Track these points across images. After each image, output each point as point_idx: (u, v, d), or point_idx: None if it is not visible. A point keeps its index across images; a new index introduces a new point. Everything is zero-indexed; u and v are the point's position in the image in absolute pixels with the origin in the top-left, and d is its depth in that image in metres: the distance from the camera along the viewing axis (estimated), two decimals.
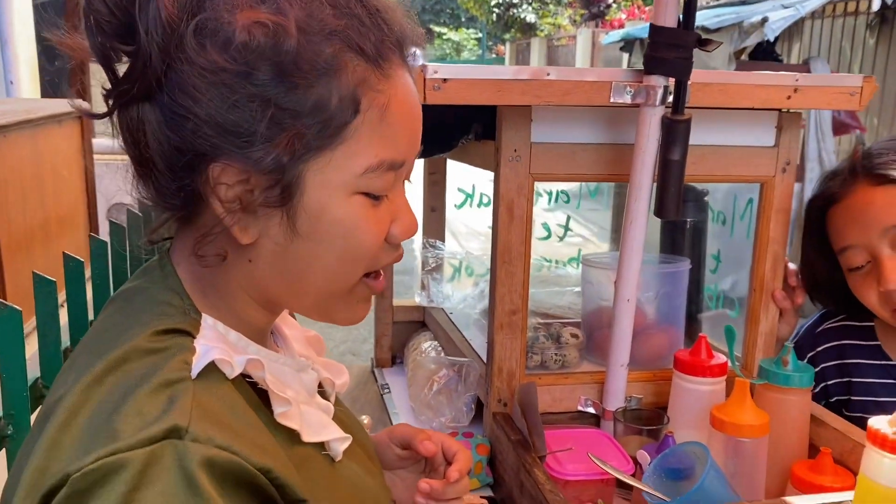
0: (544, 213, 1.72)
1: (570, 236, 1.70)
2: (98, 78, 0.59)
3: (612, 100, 1.02)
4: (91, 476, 0.47)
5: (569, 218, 1.68)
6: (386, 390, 1.49)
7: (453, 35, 25.57)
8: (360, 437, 0.74)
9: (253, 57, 0.54)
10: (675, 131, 0.99)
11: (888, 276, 1.10)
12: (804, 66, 5.04)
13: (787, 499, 0.93)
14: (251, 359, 0.58)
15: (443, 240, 1.63)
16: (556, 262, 1.68)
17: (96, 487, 0.47)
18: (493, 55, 23.83)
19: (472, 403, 1.25)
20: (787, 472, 1.04)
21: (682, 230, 1.34)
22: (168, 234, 0.65)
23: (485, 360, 1.20)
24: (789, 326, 1.24)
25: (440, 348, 1.43)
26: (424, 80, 0.96)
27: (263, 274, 0.61)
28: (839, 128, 5.16)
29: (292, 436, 0.60)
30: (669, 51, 0.98)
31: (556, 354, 1.23)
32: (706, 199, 1.34)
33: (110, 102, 0.58)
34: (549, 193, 1.66)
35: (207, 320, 0.60)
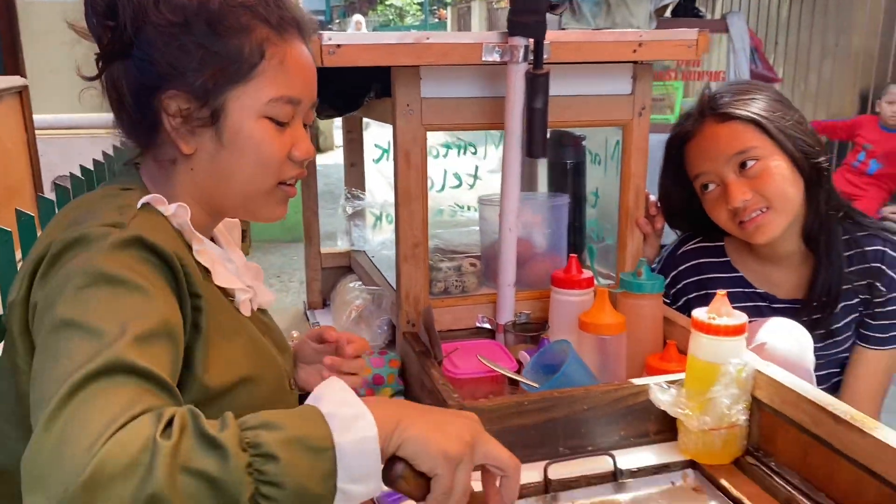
0: (456, 164, 1.90)
1: (480, 184, 1.90)
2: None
3: (483, 59, 1.20)
4: (62, 243, 0.74)
5: (477, 167, 1.87)
6: (317, 327, 1.67)
7: (396, 1, 25.40)
8: (275, 332, 0.95)
9: (190, 13, 0.82)
10: (536, 84, 1.19)
11: (733, 196, 1.32)
12: (721, 22, 5.29)
13: (633, 380, 1.15)
14: (180, 204, 0.82)
15: (363, 189, 1.80)
16: (468, 207, 1.87)
17: (66, 249, 0.74)
18: (436, 19, 23.76)
19: (385, 326, 1.44)
20: (643, 363, 1.26)
21: (564, 171, 1.54)
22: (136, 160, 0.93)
23: (395, 287, 1.39)
24: (653, 248, 1.46)
25: (362, 286, 1.62)
26: (321, 46, 1.13)
27: (201, 178, 0.88)
28: (757, 80, 5.45)
29: (208, 274, 0.86)
30: (528, 15, 1.16)
31: (456, 281, 1.43)
32: (583, 143, 1.54)
33: (99, 65, 0.85)
34: (458, 146, 1.85)
35: (156, 195, 0.84)
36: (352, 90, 1.37)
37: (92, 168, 1.82)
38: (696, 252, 1.48)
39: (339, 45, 1.14)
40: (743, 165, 1.31)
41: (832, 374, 1.44)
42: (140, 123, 0.86)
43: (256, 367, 0.90)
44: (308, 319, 1.73)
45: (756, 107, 1.32)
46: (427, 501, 0.72)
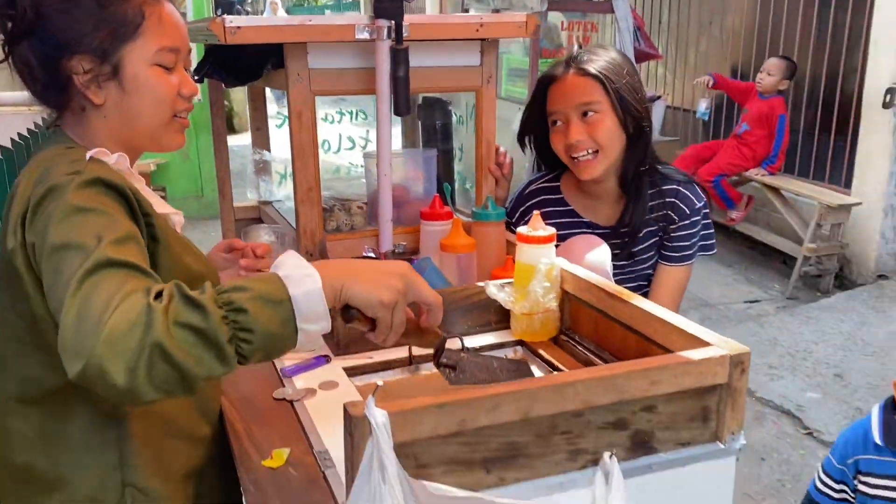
0: (350, 129, 2.22)
1: (371, 146, 2.22)
2: None
3: (357, 37, 1.52)
4: (39, 195, 0.95)
5: (368, 131, 2.20)
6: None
7: None
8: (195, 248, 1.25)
9: None
10: (398, 56, 1.52)
11: (571, 134, 1.65)
12: (607, 3, 5.75)
13: (479, 283, 1.51)
14: (120, 154, 1.07)
15: (269, 151, 2.10)
16: (360, 165, 2.19)
17: (43, 199, 0.95)
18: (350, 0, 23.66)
19: None
20: (490, 274, 1.62)
21: (435, 131, 1.88)
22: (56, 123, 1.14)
23: (295, 227, 1.71)
24: (503, 190, 1.82)
25: (268, 227, 1.92)
26: (224, 27, 1.43)
27: (114, 123, 1.10)
28: (642, 56, 5.94)
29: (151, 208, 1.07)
30: (389, 1, 1.49)
31: (346, 221, 1.75)
32: (450, 107, 1.89)
33: (5, 49, 1.07)
34: (351, 113, 2.17)
35: (100, 149, 1.09)
36: (253, 63, 1.67)
37: (21, 141, 2.04)
38: (539, 191, 1.85)
39: (238, 27, 1.44)
40: (585, 114, 1.66)
41: (640, 287, 1.84)
42: (53, 88, 1.06)
43: (203, 268, 1.16)
44: None
45: (608, 71, 1.67)
46: (376, 334, 0.97)
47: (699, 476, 1.08)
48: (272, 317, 0.86)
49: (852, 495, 1.56)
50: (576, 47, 1.74)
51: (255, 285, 0.87)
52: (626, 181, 1.74)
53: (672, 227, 1.76)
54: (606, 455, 1.00)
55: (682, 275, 1.81)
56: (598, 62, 1.68)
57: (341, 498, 0.99)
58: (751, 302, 4.70)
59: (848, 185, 4.74)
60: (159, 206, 1.17)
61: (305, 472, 1.06)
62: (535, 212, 1.45)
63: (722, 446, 1.08)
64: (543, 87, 1.72)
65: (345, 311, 0.96)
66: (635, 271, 1.80)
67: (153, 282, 0.87)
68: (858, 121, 4.61)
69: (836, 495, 1.60)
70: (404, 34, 1.52)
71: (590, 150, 1.67)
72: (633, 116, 1.68)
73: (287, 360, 1.39)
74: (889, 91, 4.34)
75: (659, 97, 6.17)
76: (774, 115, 4.98)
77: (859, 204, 4.51)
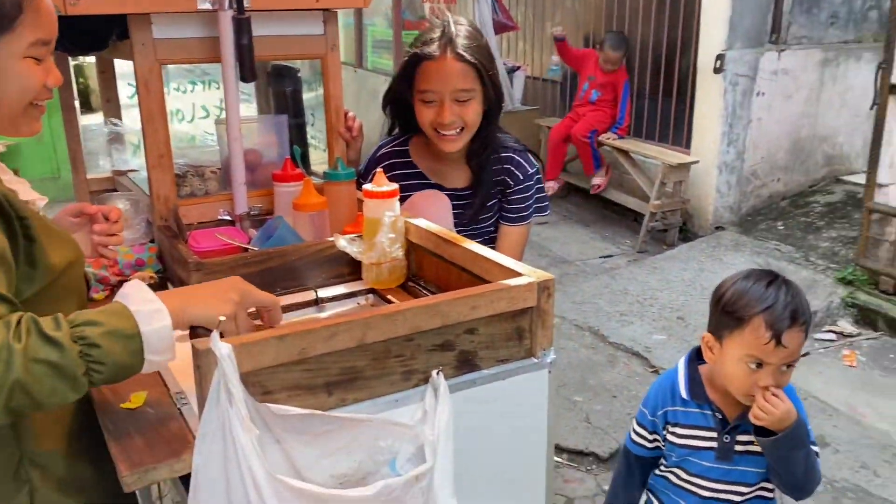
0: (203, 98, 2.25)
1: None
2: None
3: (199, 7, 1.58)
4: None
5: (221, 100, 2.24)
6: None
7: None
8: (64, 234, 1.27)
9: None
10: (241, 25, 1.59)
11: (445, 115, 1.75)
12: None
13: (329, 238, 1.62)
14: None
15: (121, 120, 2.11)
16: (214, 134, 2.23)
17: None
18: None
19: (143, 224, 1.79)
20: (342, 231, 1.73)
21: (285, 97, 1.96)
22: None
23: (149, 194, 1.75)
24: (354, 151, 1.93)
25: (122, 195, 1.94)
26: None
27: None
28: (499, 28, 6.18)
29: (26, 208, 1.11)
30: None
31: (200, 185, 1.81)
32: (298, 74, 1.97)
33: None
34: (203, 82, 2.20)
35: None
36: (98, 33, 1.69)
37: None
38: (389, 154, 1.97)
39: None
40: (458, 98, 1.78)
41: (485, 244, 2.01)
42: None
43: (72, 253, 1.17)
44: None
45: (484, 58, 1.79)
46: None
47: (517, 388, 1.25)
48: (123, 351, 0.96)
49: (663, 444, 1.62)
50: (452, 24, 1.81)
51: (108, 320, 0.96)
52: (476, 150, 1.89)
53: (509, 190, 1.94)
54: (434, 373, 1.15)
55: (521, 232, 1.99)
56: (472, 47, 1.77)
57: (196, 429, 1.08)
58: (605, 257, 5.07)
59: (688, 145, 5.17)
60: (25, 193, 1.19)
61: (162, 409, 1.15)
62: (378, 169, 1.57)
63: (536, 360, 1.26)
64: (415, 62, 1.79)
65: (192, 332, 1.07)
66: (478, 230, 1.96)
67: (12, 309, 0.94)
68: (694, 86, 5.03)
69: (649, 445, 1.65)
70: (245, 4, 1.59)
71: (459, 129, 1.80)
72: (496, 98, 1.83)
73: None
74: (719, 57, 4.76)
75: (519, 68, 6.45)
76: (619, 82, 5.36)
77: (697, 162, 4.95)
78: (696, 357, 1.63)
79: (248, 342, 1.00)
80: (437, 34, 1.79)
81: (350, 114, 1.91)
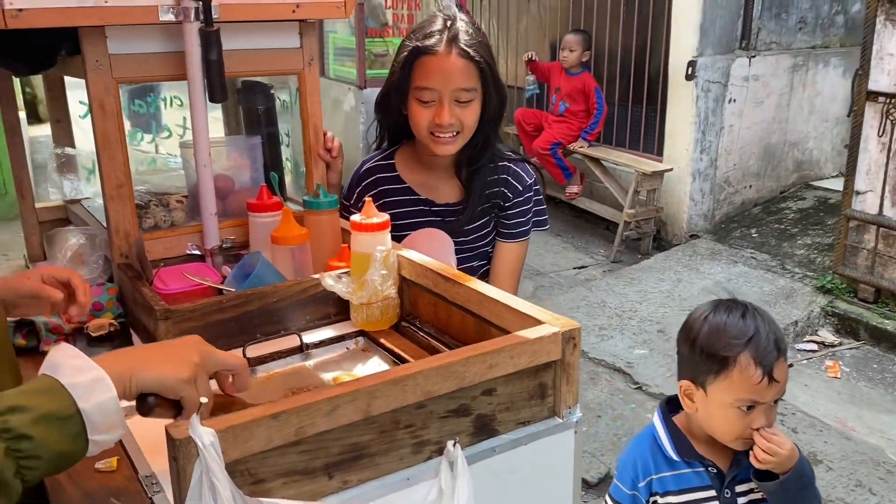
0: (164, 116, 2.06)
1: (189, 134, 2.07)
2: None
3: (161, 18, 1.40)
4: None
5: (185, 118, 2.05)
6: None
7: None
8: None
9: None
10: (209, 39, 1.41)
11: (444, 116, 1.60)
12: None
13: (314, 275, 1.45)
14: None
15: (73, 146, 1.91)
16: (178, 155, 2.04)
17: None
18: None
19: (101, 262, 1.60)
20: (326, 264, 1.57)
21: (257, 116, 1.79)
22: None
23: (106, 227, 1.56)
24: (335, 173, 1.76)
25: (77, 229, 1.75)
26: (3, 10, 1.26)
27: None
28: None
29: None
30: None
31: (165, 217, 1.63)
32: (272, 91, 1.80)
33: None
34: (164, 100, 2.01)
35: None
36: (43, 49, 1.49)
37: None
38: (373, 170, 1.81)
39: (20, 10, 1.27)
40: (459, 98, 1.63)
41: (481, 266, 1.87)
42: None
43: None
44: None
45: (487, 56, 1.64)
46: (184, 416, 0.89)
47: (541, 452, 1.10)
48: (60, 437, 0.78)
49: None
50: (458, 18, 1.64)
51: (37, 402, 0.77)
52: (467, 159, 1.74)
53: (507, 204, 1.79)
54: (450, 443, 0.99)
55: (519, 250, 1.85)
56: (476, 44, 1.63)
57: None
58: (579, 268, 4.97)
59: (660, 152, 5.11)
60: None
61: (130, 499, 0.97)
62: (367, 198, 1.41)
63: (560, 420, 1.12)
64: (414, 57, 1.62)
65: (141, 402, 0.89)
66: (474, 248, 1.82)
67: None
68: (666, 92, 4.96)
69: None
70: (214, 15, 1.42)
71: (455, 132, 1.65)
72: (498, 102, 1.69)
73: None
74: (690, 64, 4.70)
75: None
76: (589, 89, 5.25)
77: (670, 170, 4.88)
78: (668, 411, 1.48)
79: (235, 424, 0.84)
80: (437, 26, 1.63)
81: (328, 134, 1.75)
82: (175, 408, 0.91)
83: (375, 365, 1.36)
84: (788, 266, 4.46)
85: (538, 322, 1.11)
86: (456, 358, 0.99)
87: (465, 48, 1.60)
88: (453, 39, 1.61)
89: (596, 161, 5.23)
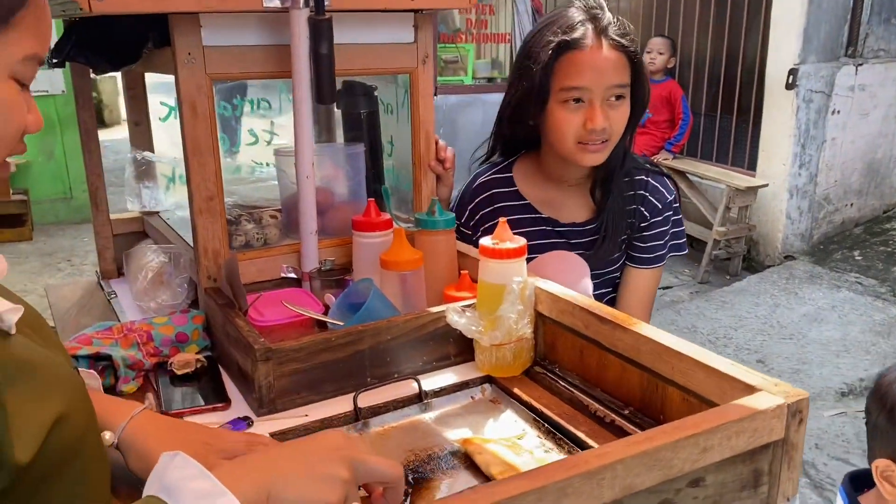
0: (250, 122, 1.87)
1: (277, 140, 1.88)
2: None
3: (265, 5, 1.20)
4: None
5: (273, 123, 1.86)
6: (112, 296, 1.60)
7: None
8: (45, 330, 0.78)
9: None
10: (319, 29, 1.20)
11: (597, 119, 1.38)
12: None
13: (431, 308, 1.23)
14: None
15: (152, 151, 1.73)
16: (266, 163, 1.85)
17: None
18: None
19: (185, 285, 1.41)
20: (442, 294, 1.34)
21: (359, 121, 1.57)
22: None
23: (192, 245, 1.36)
24: (447, 188, 1.54)
25: (157, 247, 1.56)
26: None
27: None
28: None
29: None
30: None
31: (258, 234, 1.42)
32: (375, 93, 1.59)
33: None
34: (251, 102, 1.82)
35: None
36: (127, 41, 1.31)
37: None
38: (489, 184, 1.59)
39: None
40: (612, 97, 1.41)
41: (605, 294, 1.62)
42: None
43: (63, 399, 0.68)
44: (103, 289, 1.64)
45: (637, 50, 1.43)
46: None
47: None
48: None
49: None
50: (603, 5, 1.42)
51: None
52: (606, 172, 1.51)
53: (643, 224, 1.55)
54: None
55: (654, 278, 1.60)
56: (625, 33, 1.41)
57: None
58: (664, 288, 4.66)
59: (752, 167, 4.77)
60: None
61: None
62: (502, 220, 1.18)
63: None
64: (557, 55, 1.40)
65: None
66: (603, 276, 1.57)
67: None
68: (761, 102, 4.63)
69: None
70: (325, 2, 1.21)
71: (604, 139, 1.42)
72: (643, 99, 1.47)
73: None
74: (791, 72, 4.37)
75: None
76: (675, 98, 4.95)
77: (766, 185, 4.54)
78: (852, 488, 1.27)
79: None
80: (578, 17, 1.41)
81: (441, 142, 1.53)
82: None
83: (510, 421, 1.12)
84: None
85: (747, 387, 0.86)
86: (662, 441, 0.75)
87: (618, 38, 1.37)
88: (603, 30, 1.38)
89: (681, 174, 4.92)
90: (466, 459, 1.01)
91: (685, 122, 4.92)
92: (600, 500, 0.71)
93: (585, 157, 1.43)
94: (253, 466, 0.68)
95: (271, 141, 1.86)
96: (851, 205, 4.76)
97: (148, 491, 0.62)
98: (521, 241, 1.17)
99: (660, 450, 0.74)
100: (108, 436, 0.87)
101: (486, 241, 1.18)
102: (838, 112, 4.46)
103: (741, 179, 4.61)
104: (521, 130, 1.52)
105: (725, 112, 5.04)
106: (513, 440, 1.06)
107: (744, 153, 4.91)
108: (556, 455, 1.04)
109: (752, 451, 0.82)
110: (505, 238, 1.18)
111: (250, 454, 0.79)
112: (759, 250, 4.76)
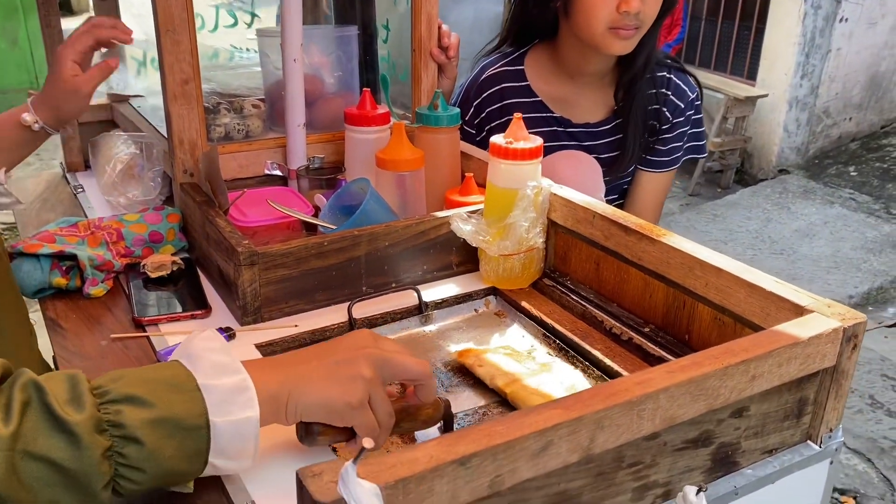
0: (232, 3, 1.69)
1: (259, 22, 1.70)
2: None
3: None
4: None
5: (253, 2, 1.68)
6: (79, 190, 1.46)
7: None
8: None
9: None
10: None
11: (631, 2, 1.24)
12: None
13: (435, 213, 1.11)
14: None
15: None
16: (247, 48, 1.69)
17: None
18: None
19: (158, 179, 1.28)
20: (443, 198, 1.23)
21: (352, 2, 1.41)
22: None
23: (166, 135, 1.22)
24: (449, 80, 1.40)
25: (128, 136, 1.41)
26: None
27: None
28: None
29: None
30: None
31: (239, 125, 1.28)
32: None
33: None
34: None
35: None
36: None
37: None
38: (499, 77, 1.44)
39: None
40: None
41: (613, 201, 1.51)
42: None
43: None
44: (68, 183, 1.50)
45: None
46: (357, 444, 0.68)
47: (786, 492, 0.78)
48: (178, 451, 0.59)
49: None
50: None
51: (162, 397, 0.59)
52: (630, 67, 1.37)
53: (664, 126, 1.43)
54: (692, 492, 0.66)
55: (667, 181, 1.50)
56: None
57: None
58: None
59: (752, 76, 4.60)
60: None
61: None
62: (517, 115, 1.05)
63: (817, 448, 0.78)
64: None
65: (303, 431, 0.68)
66: (614, 181, 1.46)
67: None
68: (766, 7, 4.42)
69: None
70: None
71: (636, 25, 1.28)
72: None
73: (168, 335, 0.96)
74: None
75: None
76: None
77: (765, 96, 4.39)
78: None
79: (408, 477, 0.51)
80: None
81: (444, 27, 1.37)
82: (346, 432, 0.69)
83: (517, 336, 1.03)
84: (894, 210, 4.02)
85: (797, 308, 0.77)
86: (710, 367, 0.65)
87: None
88: None
89: None
90: (466, 373, 0.92)
91: (684, 28, 4.71)
92: (638, 433, 0.63)
93: (615, 44, 1.29)
94: (280, 363, 0.69)
95: (252, 23, 1.69)
96: (850, 119, 4.64)
97: (174, 356, 0.65)
98: (537, 141, 1.05)
99: (708, 377, 0.65)
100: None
101: (497, 139, 1.06)
102: (846, 20, 4.28)
103: (741, 89, 4.46)
104: (542, 13, 1.37)
105: (727, 17, 4.82)
106: (510, 347, 0.97)
107: (744, 61, 4.73)
108: (561, 363, 0.95)
109: (800, 378, 0.73)
110: (519, 137, 1.05)
111: (282, 354, 0.83)
112: (753, 163, 4.67)
